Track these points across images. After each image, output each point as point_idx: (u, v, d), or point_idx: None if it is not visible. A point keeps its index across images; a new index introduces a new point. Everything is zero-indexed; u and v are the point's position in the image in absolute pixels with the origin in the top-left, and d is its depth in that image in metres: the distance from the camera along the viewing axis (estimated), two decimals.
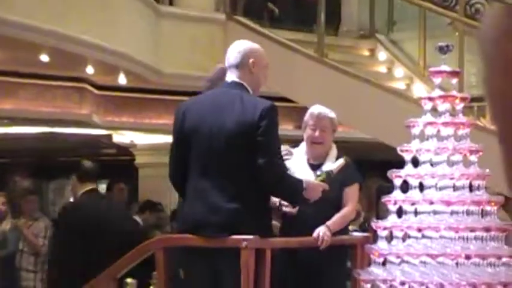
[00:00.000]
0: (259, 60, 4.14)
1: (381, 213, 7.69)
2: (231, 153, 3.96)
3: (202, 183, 4.00)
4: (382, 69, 9.65)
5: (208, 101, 4.12)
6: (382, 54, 9.68)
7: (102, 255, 5.45)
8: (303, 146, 4.82)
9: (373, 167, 8.09)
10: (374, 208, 9.29)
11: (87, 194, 5.67)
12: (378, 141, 8.29)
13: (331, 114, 4.83)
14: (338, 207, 4.71)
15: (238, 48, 4.16)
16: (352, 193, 4.81)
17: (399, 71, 9.39)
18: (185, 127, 4.08)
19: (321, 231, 4.51)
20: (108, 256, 5.26)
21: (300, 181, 4.12)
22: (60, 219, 6.30)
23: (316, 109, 4.85)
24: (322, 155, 4.77)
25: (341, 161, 4.50)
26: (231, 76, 4.13)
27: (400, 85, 9.10)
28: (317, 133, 4.77)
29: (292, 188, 4.09)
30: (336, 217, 4.65)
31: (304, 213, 4.45)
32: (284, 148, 4.54)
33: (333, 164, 4.53)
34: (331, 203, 4.52)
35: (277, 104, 4.18)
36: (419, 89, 8.64)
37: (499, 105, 0.48)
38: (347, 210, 4.76)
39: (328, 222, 4.57)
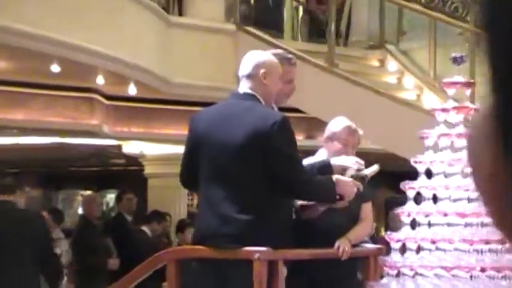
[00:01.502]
0: (271, 71, 4.10)
1: (391, 224, 7.67)
2: (240, 164, 3.93)
3: (212, 193, 3.98)
4: (392, 79, 9.63)
5: (219, 112, 4.10)
6: (392, 65, 9.66)
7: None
8: (322, 155, 4.75)
9: (380, 178, 8.05)
10: (382, 219, 9.28)
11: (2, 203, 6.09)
12: (386, 152, 8.26)
13: (360, 131, 4.80)
14: (355, 220, 4.66)
15: (250, 59, 4.15)
16: (369, 209, 4.77)
17: (409, 81, 9.37)
18: (196, 137, 4.07)
19: (342, 243, 4.46)
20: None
21: (328, 177, 4.08)
22: None
23: (349, 124, 4.76)
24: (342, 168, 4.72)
25: (376, 167, 4.45)
26: (243, 87, 4.11)
27: (410, 95, 9.07)
28: (350, 149, 4.70)
29: (324, 186, 4.05)
30: (356, 229, 4.60)
31: (320, 223, 4.40)
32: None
33: (367, 169, 4.47)
34: (348, 214, 4.47)
35: (286, 114, 4.16)
36: (429, 99, 8.61)
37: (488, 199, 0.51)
38: (366, 225, 4.72)
39: (349, 234, 4.52)
